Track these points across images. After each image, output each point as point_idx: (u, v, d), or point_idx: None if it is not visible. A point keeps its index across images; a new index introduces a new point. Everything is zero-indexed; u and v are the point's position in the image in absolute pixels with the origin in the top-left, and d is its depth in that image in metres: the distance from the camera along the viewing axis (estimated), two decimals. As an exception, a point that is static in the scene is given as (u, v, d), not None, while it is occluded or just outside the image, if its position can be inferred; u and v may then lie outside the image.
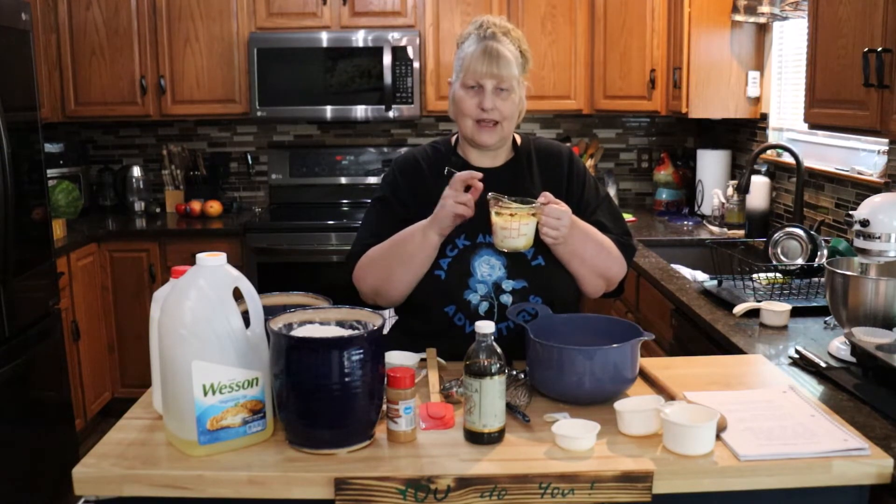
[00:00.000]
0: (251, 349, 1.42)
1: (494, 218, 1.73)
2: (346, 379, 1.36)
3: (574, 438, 1.40)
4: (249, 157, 4.71)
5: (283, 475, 1.35)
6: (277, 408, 1.43)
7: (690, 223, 4.05)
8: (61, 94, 4.27)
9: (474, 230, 1.86)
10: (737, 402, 1.58)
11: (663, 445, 1.40)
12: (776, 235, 2.80)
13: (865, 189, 2.88)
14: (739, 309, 2.31)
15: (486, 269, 1.86)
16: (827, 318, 2.22)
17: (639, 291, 3.21)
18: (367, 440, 1.43)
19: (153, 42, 4.26)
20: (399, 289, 1.86)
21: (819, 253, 2.66)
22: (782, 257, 2.77)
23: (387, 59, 4.19)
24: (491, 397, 1.41)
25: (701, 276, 2.94)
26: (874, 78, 2.08)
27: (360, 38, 4.20)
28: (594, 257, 1.87)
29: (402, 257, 1.83)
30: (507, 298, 1.86)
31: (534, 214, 1.72)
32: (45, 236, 3.33)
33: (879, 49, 2.06)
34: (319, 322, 1.49)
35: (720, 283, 2.61)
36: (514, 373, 1.68)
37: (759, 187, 3.59)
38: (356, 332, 1.44)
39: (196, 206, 4.42)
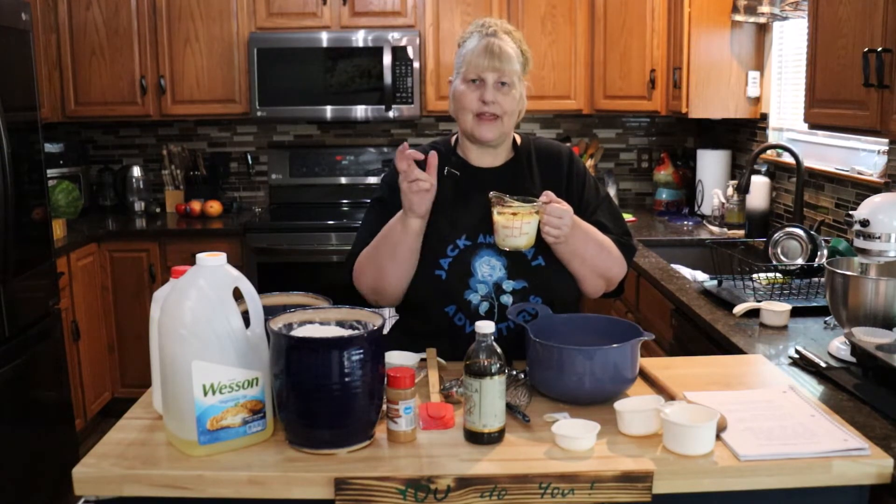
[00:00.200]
0: (251, 349, 1.42)
1: (496, 217, 1.73)
2: (346, 379, 1.36)
3: (574, 438, 1.40)
4: (249, 157, 4.71)
5: (283, 475, 1.35)
6: (277, 408, 1.43)
7: (690, 223, 4.05)
8: (61, 94, 4.27)
9: (475, 230, 1.86)
10: (737, 402, 1.58)
11: (663, 445, 1.40)
12: (776, 235, 2.80)
13: (865, 189, 2.88)
14: (739, 309, 2.31)
15: (487, 269, 1.86)
16: (827, 318, 2.22)
17: (639, 291, 3.21)
18: (367, 440, 1.43)
19: (153, 42, 4.26)
20: (393, 284, 1.85)
21: (819, 253, 2.66)
22: (782, 257, 2.77)
23: (387, 59, 4.19)
24: (491, 397, 1.41)
25: (701, 276, 2.94)
26: (874, 78, 2.08)
27: (360, 38, 4.20)
28: (595, 257, 1.87)
29: (388, 250, 1.83)
30: (507, 299, 1.86)
31: (535, 213, 1.72)
32: (45, 236, 3.33)
33: (879, 49, 2.06)
34: (319, 322, 1.49)
35: (720, 283, 2.61)
36: (514, 373, 1.68)
37: (759, 187, 3.59)
38: (356, 332, 1.44)
39: (196, 206, 4.42)
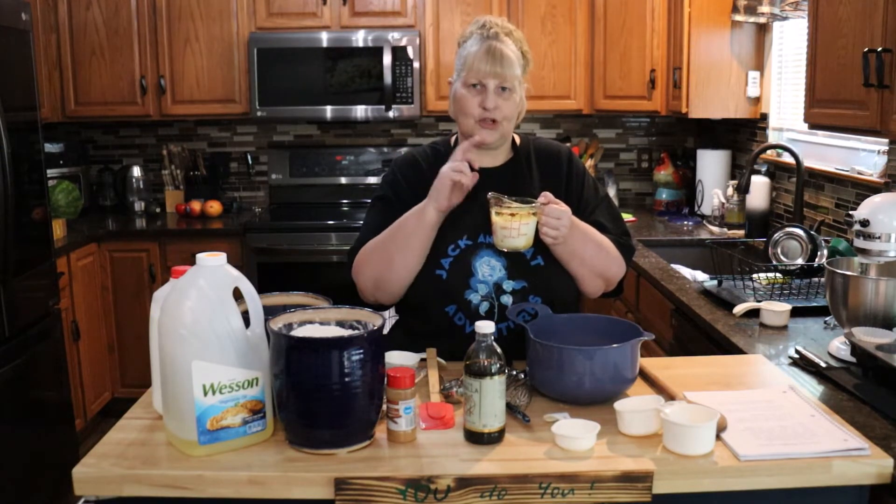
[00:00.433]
0: (251, 349, 1.42)
1: (494, 217, 1.73)
2: (346, 379, 1.36)
3: (574, 438, 1.40)
4: (249, 157, 4.71)
5: (283, 475, 1.35)
6: (277, 408, 1.43)
7: (690, 223, 4.05)
8: (61, 94, 4.27)
9: (476, 230, 1.86)
10: (737, 402, 1.58)
11: (663, 445, 1.40)
12: (776, 235, 2.80)
13: (865, 189, 2.88)
14: (739, 309, 2.31)
15: (487, 269, 1.86)
16: (827, 318, 2.22)
17: (639, 291, 3.21)
18: (367, 440, 1.43)
19: (153, 42, 4.26)
20: (398, 277, 1.85)
21: (819, 253, 2.66)
22: (782, 257, 2.77)
23: (387, 59, 4.19)
24: (491, 397, 1.41)
25: (701, 276, 2.94)
26: (874, 78, 2.08)
27: (360, 38, 4.20)
28: (593, 257, 1.87)
29: (400, 241, 1.82)
30: (507, 299, 1.86)
31: (534, 214, 1.72)
32: (45, 236, 3.33)
33: (879, 49, 2.06)
34: (319, 322, 1.49)
35: (720, 283, 2.61)
36: (514, 373, 1.68)
37: (759, 187, 3.59)
38: (356, 332, 1.44)
39: (196, 206, 4.42)
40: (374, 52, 4.19)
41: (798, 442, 1.41)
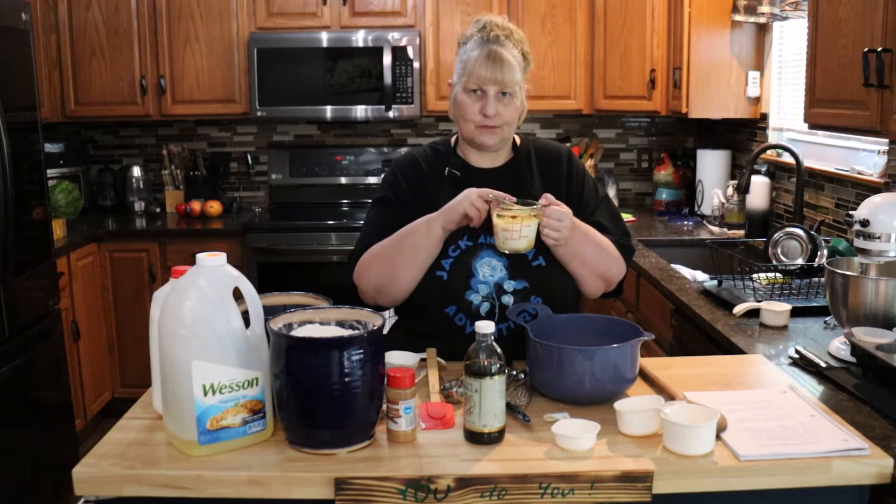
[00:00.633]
0: (251, 349, 1.42)
1: (496, 220, 1.73)
2: (346, 379, 1.36)
3: (574, 438, 1.40)
4: (249, 157, 4.71)
5: (283, 475, 1.35)
6: (277, 408, 1.43)
7: (690, 223, 4.05)
8: (61, 94, 4.27)
9: (476, 231, 1.86)
10: (737, 402, 1.58)
11: (663, 445, 1.40)
12: (776, 235, 2.80)
13: (865, 189, 2.88)
14: (739, 309, 2.31)
15: (488, 269, 1.86)
16: (827, 318, 2.22)
17: (639, 291, 3.21)
18: (367, 440, 1.43)
19: (153, 42, 4.26)
20: (401, 285, 1.85)
21: (819, 253, 2.66)
22: (782, 257, 2.77)
23: (387, 59, 4.19)
24: (491, 397, 1.41)
25: (701, 276, 2.94)
26: (874, 78, 2.08)
27: (360, 38, 4.20)
28: (594, 258, 1.87)
29: (406, 251, 1.82)
30: (508, 299, 1.86)
31: (535, 216, 1.72)
32: (45, 236, 3.33)
33: (879, 49, 2.06)
34: (319, 322, 1.49)
35: (720, 283, 2.61)
36: (514, 373, 1.68)
37: (759, 187, 3.59)
38: (356, 332, 1.44)
39: (196, 206, 4.42)
40: (374, 52, 4.19)
41: (798, 442, 1.41)
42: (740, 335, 2.15)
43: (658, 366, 1.79)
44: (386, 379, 1.43)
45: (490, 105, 1.84)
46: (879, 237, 1.98)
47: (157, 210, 4.55)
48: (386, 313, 1.84)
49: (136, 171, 4.56)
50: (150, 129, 4.69)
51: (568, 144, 4.55)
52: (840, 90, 2.31)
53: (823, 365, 1.84)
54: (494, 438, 1.43)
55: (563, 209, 1.76)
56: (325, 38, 4.21)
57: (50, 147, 4.15)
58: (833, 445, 1.39)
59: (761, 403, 1.57)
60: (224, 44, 4.27)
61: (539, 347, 1.59)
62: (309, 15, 4.26)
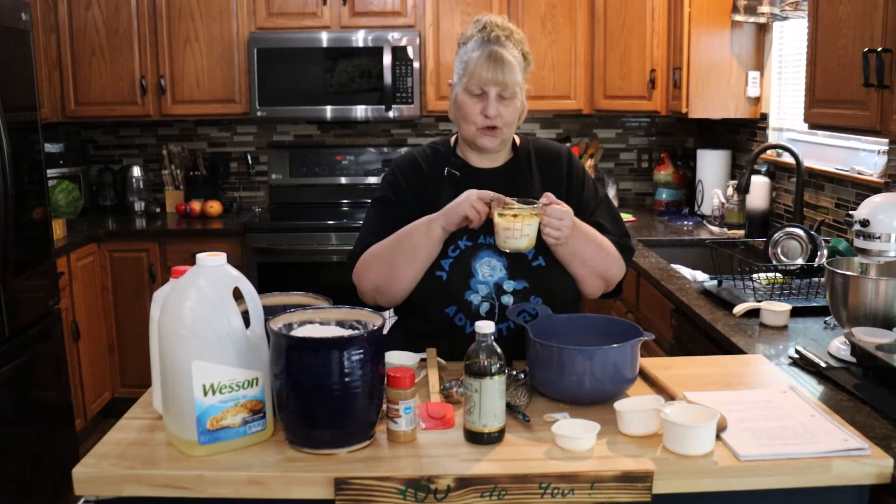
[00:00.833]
0: (251, 349, 1.42)
1: (497, 219, 1.73)
2: (346, 379, 1.36)
3: (574, 438, 1.40)
4: (249, 157, 4.71)
5: (283, 475, 1.35)
6: (277, 408, 1.43)
7: (690, 223, 4.05)
8: (61, 94, 4.27)
9: (476, 231, 1.86)
10: (737, 402, 1.58)
11: (663, 445, 1.40)
12: (776, 235, 2.80)
13: (865, 189, 2.88)
14: (739, 309, 2.31)
15: (488, 269, 1.86)
16: (827, 318, 2.22)
17: (639, 291, 3.21)
18: (367, 440, 1.43)
19: (153, 42, 4.26)
20: (401, 286, 1.85)
21: (819, 253, 2.66)
22: (782, 257, 2.77)
23: (387, 59, 4.19)
24: (491, 397, 1.41)
25: (701, 276, 2.94)
26: (874, 78, 2.08)
27: (360, 38, 4.20)
28: (594, 258, 1.87)
29: (406, 252, 1.82)
30: (507, 299, 1.86)
31: (536, 215, 1.72)
32: (45, 236, 3.33)
33: (879, 49, 2.06)
34: (319, 322, 1.49)
35: (720, 283, 2.61)
36: (514, 373, 1.68)
37: (759, 187, 3.59)
38: (356, 332, 1.44)
39: (196, 206, 4.42)
40: (374, 52, 4.19)
41: (798, 442, 1.41)
42: (740, 335, 2.15)
43: (658, 366, 1.79)
44: (386, 379, 1.43)
45: (491, 106, 1.84)
46: (879, 237, 1.98)
47: (157, 210, 4.55)
48: (386, 313, 1.84)
49: (136, 171, 4.56)
50: (150, 129, 4.69)
51: (568, 144, 4.55)
52: (840, 90, 2.31)
53: (823, 365, 1.84)
54: (494, 438, 1.43)
55: (564, 208, 1.76)
56: (325, 38, 4.21)
57: (50, 147, 4.15)
58: (833, 445, 1.39)
59: (761, 403, 1.57)
60: (224, 44, 4.27)
61: (539, 347, 1.59)
62: (309, 15, 4.26)
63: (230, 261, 1.45)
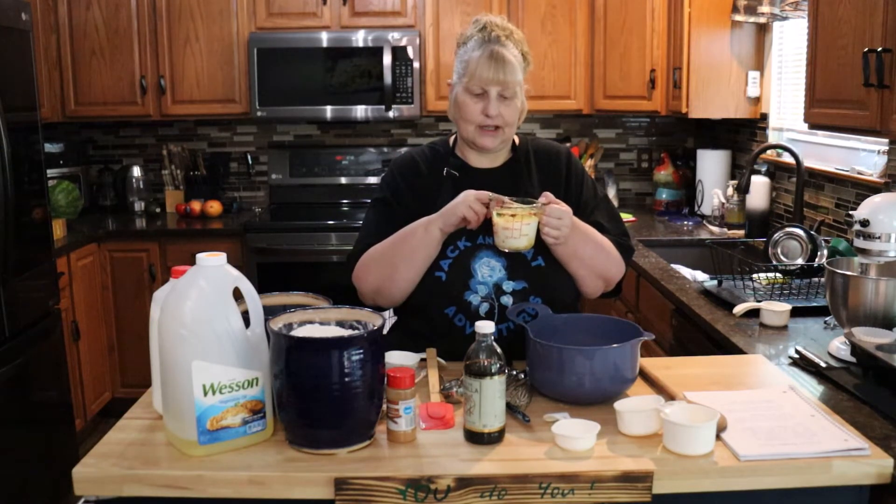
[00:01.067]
0: (251, 349, 1.42)
1: (496, 218, 1.73)
2: (346, 379, 1.36)
3: (574, 438, 1.40)
4: (249, 157, 4.71)
5: (283, 475, 1.35)
6: (277, 408, 1.43)
7: (690, 223, 4.05)
8: (61, 94, 4.27)
9: (475, 232, 1.86)
10: (737, 402, 1.58)
11: (663, 445, 1.40)
12: (776, 235, 2.80)
13: (865, 189, 2.88)
14: (739, 309, 2.31)
15: (487, 270, 1.86)
16: (827, 318, 2.22)
17: (639, 291, 3.21)
18: (367, 440, 1.43)
19: (153, 42, 4.26)
20: (400, 287, 1.85)
21: (819, 253, 2.66)
22: (782, 257, 2.77)
23: (387, 59, 4.19)
24: (491, 397, 1.41)
25: (701, 276, 2.94)
26: (874, 78, 2.08)
27: (360, 38, 4.20)
28: (593, 258, 1.87)
29: (405, 253, 1.82)
30: (507, 299, 1.86)
31: (535, 214, 1.72)
32: (45, 236, 3.32)
33: (879, 49, 2.06)
34: (319, 322, 1.49)
35: (720, 283, 2.61)
36: (514, 373, 1.68)
37: (759, 187, 3.59)
38: (356, 332, 1.44)
39: (196, 206, 4.42)
40: (374, 52, 4.19)
41: (798, 442, 1.41)
42: (740, 335, 2.15)
43: (658, 366, 1.79)
44: (386, 379, 1.43)
45: (492, 105, 1.84)
46: (879, 237, 1.98)
47: (157, 210, 4.54)
48: (386, 314, 1.83)
49: (136, 171, 4.56)
50: (150, 129, 4.69)
51: (568, 144, 4.55)
52: (840, 90, 2.31)
53: (823, 365, 1.84)
54: (494, 438, 1.43)
55: (563, 208, 1.76)
56: (325, 38, 4.21)
57: (50, 147, 4.15)
58: (833, 445, 1.39)
59: (761, 403, 1.57)
60: (224, 44, 4.27)
61: (539, 347, 1.59)
62: (309, 15, 4.26)
63: (230, 261, 1.45)
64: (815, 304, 2.34)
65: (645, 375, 1.69)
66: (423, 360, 1.79)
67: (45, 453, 3.18)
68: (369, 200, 2.03)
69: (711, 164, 4.15)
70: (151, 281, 4.10)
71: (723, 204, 3.84)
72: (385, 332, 1.52)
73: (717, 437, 1.41)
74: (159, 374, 1.47)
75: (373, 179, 4.58)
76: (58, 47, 4.23)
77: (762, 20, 3.52)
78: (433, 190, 1.92)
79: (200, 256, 1.42)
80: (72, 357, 3.70)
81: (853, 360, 1.86)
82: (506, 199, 1.73)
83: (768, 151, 3.63)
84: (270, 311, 1.48)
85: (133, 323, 4.11)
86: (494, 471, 1.34)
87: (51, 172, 3.99)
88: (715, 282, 2.63)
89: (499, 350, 1.43)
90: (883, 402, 1.63)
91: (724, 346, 2.17)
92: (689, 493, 1.35)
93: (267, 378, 1.44)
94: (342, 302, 1.61)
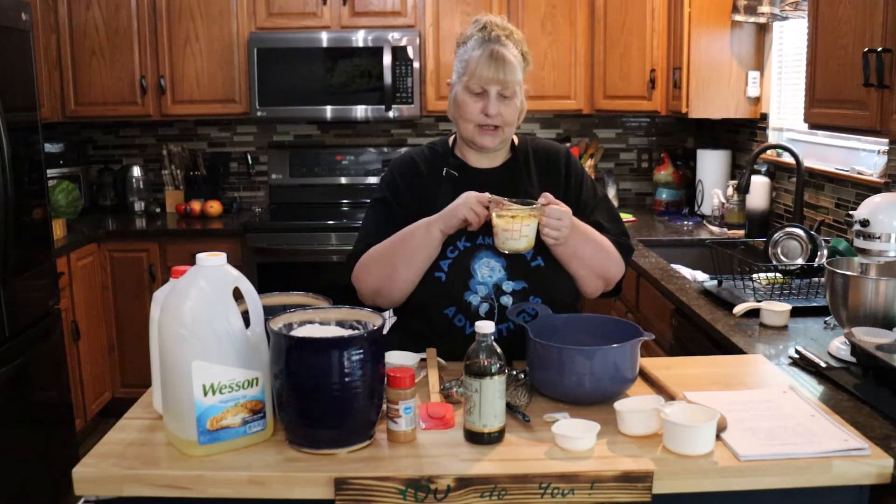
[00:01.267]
0: (251, 349, 1.42)
1: (495, 220, 1.73)
2: (346, 379, 1.36)
3: (574, 438, 1.40)
4: (249, 157, 4.71)
5: (283, 475, 1.35)
6: (277, 408, 1.43)
7: (690, 223, 4.05)
8: (61, 94, 4.27)
9: (475, 232, 1.86)
10: (737, 402, 1.58)
11: (663, 445, 1.40)
12: (776, 235, 2.80)
13: (865, 189, 2.88)
14: (739, 309, 2.31)
15: (487, 270, 1.86)
16: (827, 318, 2.22)
17: (639, 291, 3.21)
18: (367, 440, 1.43)
19: (153, 42, 4.26)
20: (400, 287, 1.85)
21: (819, 253, 2.66)
22: (782, 257, 2.77)
23: (387, 59, 4.18)
24: (491, 397, 1.41)
25: (701, 276, 2.94)
26: (874, 78, 2.08)
27: (360, 38, 4.20)
28: (593, 258, 1.87)
29: (405, 254, 1.82)
30: (507, 300, 1.86)
31: (534, 215, 1.72)
32: (45, 236, 3.32)
33: (879, 49, 2.06)
34: (319, 322, 1.49)
35: (720, 283, 2.61)
36: (514, 373, 1.68)
37: (759, 187, 3.59)
38: (356, 332, 1.44)
39: (196, 206, 4.42)
40: (374, 52, 4.19)
41: (798, 442, 1.41)
42: (740, 335, 2.15)
43: (658, 366, 1.79)
44: (386, 379, 1.43)
45: (492, 105, 1.84)
46: (879, 237, 1.98)
47: (157, 210, 4.54)
48: (386, 314, 1.84)
49: (136, 171, 4.56)
50: (150, 129, 4.69)
51: (568, 144, 4.56)
52: (840, 90, 2.31)
53: (823, 365, 1.84)
54: (494, 438, 1.43)
55: (563, 208, 1.76)
56: (325, 38, 4.21)
57: (50, 147, 4.15)
58: (833, 445, 1.39)
59: (761, 403, 1.57)
60: (224, 44, 4.27)
61: (539, 347, 1.59)
62: (309, 15, 4.26)
63: (230, 261, 1.45)
64: (815, 304, 2.34)
65: (645, 375, 1.69)
66: (423, 360, 1.79)
67: (45, 453, 3.18)
68: (369, 200, 2.03)
69: (711, 164, 4.15)
70: (151, 281, 4.10)
71: (723, 204, 3.84)
72: (385, 332, 1.52)
73: (717, 437, 1.41)
74: (159, 374, 1.47)
75: (373, 179, 4.58)
76: (58, 47, 4.23)
77: (762, 20, 3.53)
78: (433, 190, 1.92)
79: (200, 256, 1.42)
80: (72, 357, 3.70)
81: (853, 360, 1.86)
82: (505, 200, 1.73)
83: (768, 151, 3.63)
84: (270, 311, 1.48)
85: (133, 323, 4.11)
86: (494, 471, 1.34)
87: (51, 172, 3.99)
88: (715, 282, 2.63)
89: (499, 350, 1.43)
90: (883, 402, 1.63)
91: (724, 346, 2.17)
92: (689, 493, 1.35)
93: (267, 378, 1.44)
94: (342, 302, 1.61)
